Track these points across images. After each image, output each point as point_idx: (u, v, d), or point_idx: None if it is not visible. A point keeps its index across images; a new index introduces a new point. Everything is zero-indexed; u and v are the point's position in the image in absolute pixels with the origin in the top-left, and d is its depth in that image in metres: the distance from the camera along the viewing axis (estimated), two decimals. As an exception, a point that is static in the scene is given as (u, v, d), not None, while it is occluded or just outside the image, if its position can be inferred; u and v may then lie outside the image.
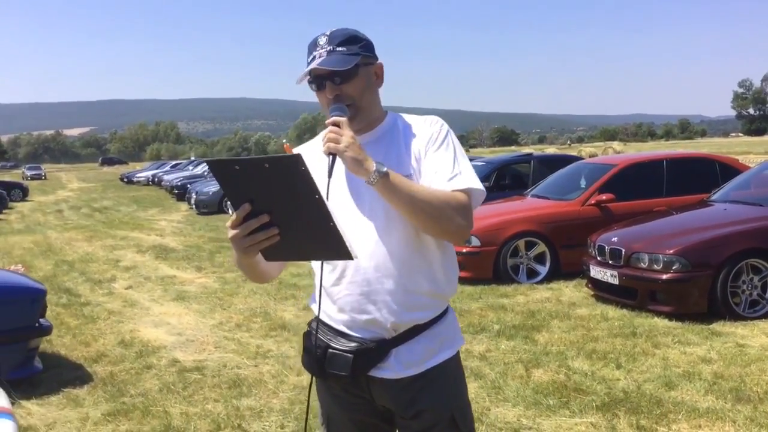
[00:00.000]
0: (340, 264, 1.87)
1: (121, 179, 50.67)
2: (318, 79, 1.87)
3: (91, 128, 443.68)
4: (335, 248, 1.62)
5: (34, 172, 64.99)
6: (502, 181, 12.18)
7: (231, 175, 1.58)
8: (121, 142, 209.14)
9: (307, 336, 2.00)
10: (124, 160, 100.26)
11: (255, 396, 4.81)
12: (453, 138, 1.93)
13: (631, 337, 5.83)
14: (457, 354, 2.01)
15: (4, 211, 24.61)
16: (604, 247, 7.10)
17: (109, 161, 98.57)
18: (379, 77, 1.95)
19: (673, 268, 6.37)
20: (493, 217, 8.86)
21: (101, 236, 15.87)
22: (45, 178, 62.14)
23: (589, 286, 7.48)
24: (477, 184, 1.87)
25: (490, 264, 8.43)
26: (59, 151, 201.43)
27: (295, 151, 1.89)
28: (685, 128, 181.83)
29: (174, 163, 52.25)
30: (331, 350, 1.90)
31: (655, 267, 6.49)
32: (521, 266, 8.52)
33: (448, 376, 1.96)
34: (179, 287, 9.05)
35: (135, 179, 46.57)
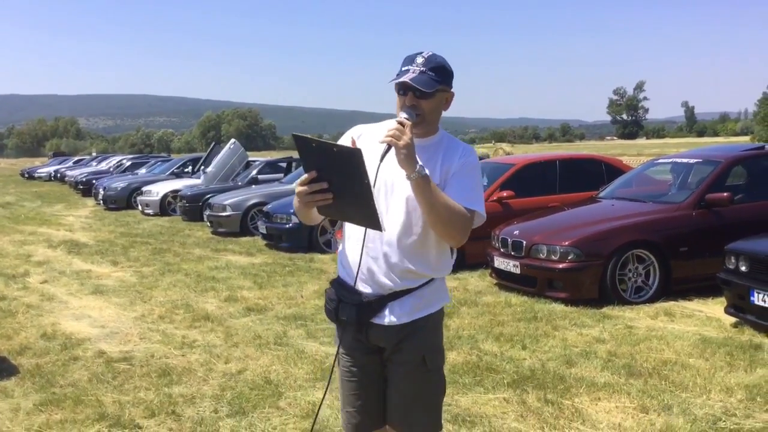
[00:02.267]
0: (361, 237, 2.35)
1: (22, 174, 48.45)
2: (404, 88, 2.33)
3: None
4: (370, 219, 2.15)
5: None
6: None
7: (309, 149, 2.11)
8: (20, 137, 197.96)
9: (327, 291, 2.53)
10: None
11: (186, 384, 4.99)
12: (478, 170, 2.46)
13: (533, 321, 6.38)
14: (440, 310, 2.53)
15: None
16: (507, 239, 7.66)
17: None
18: (447, 103, 2.45)
19: (569, 258, 6.99)
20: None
21: (8, 231, 15.30)
22: None
23: (493, 275, 8.03)
24: (482, 209, 2.39)
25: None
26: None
27: (363, 129, 2.50)
28: (566, 132, 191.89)
29: (77, 158, 50.52)
30: (342, 302, 2.43)
31: (553, 257, 7.10)
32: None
33: (428, 327, 2.48)
34: (96, 281, 8.98)
35: (36, 174, 44.67)
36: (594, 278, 6.95)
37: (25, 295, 8.29)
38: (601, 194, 8.59)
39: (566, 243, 7.06)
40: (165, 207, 17.87)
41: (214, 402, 4.61)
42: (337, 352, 2.56)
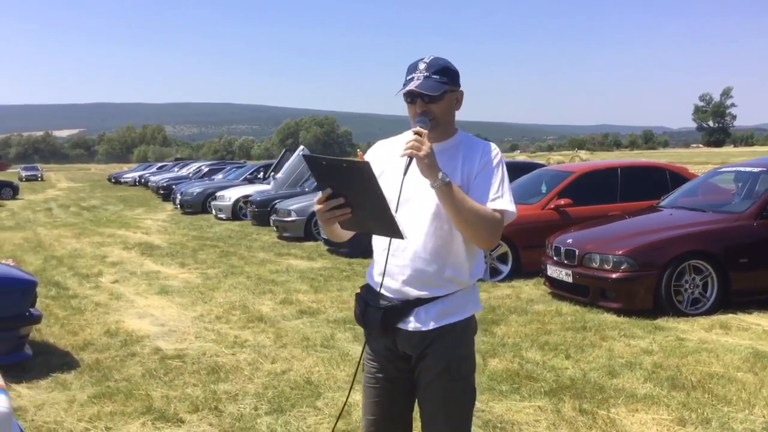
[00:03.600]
0: (388, 246, 2.33)
1: (109, 179, 50.90)
2: (412, 96, 2.34)
3: (80, 130, 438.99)
4: (391, 229, 2.16)
5: (30, 173, 59.75)
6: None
7: (320, 167, 2.15)
8: (110, 143, 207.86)
9: (357, 296, 2.53)
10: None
11: (231, 381, 5.19)
12: (503, 166, 2.39)
13: (582, 331, 6.31)
14: (470, 318, 2.48)
15: None
16: (560, 247, 7.59)
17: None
18: (459, 102, 2.44)
19: (622, 267, 6.88)
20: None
21: (89, 233, 16.13)
22: (42, 180, 58.05)
23: (547, 284, 7.97)
24: (512, 207, 2.33)
25: (456, 263, 8.87)
26: (49, 152, 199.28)
27: (384, 144, 2.55)
28: (649, 139, 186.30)
29: (160, 164, 52.63)
30: (369, 307, 2.42)
31: (606, 266, 7.00)
32: (485, 265, 8.99)
33: (455, 335, 2.42)
34: (163, 282, 9.38)
35: (122, 180, 46.85)
36: (648, 289, 6.81)
37: (95, 293, 8.74)
38: (662, 203, 8.40)
39: (620, 252, 6.95)
40: (236, 212, 18.42)
41: (255, 400, 4.77)
42: (361, 357, 2.56)
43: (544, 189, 9.68)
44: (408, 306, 2.39)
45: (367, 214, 2.19)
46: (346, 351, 5.84)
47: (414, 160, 2.21)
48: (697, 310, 6.83)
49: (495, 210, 2.30)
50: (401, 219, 2.23)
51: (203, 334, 6.56)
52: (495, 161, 2.38)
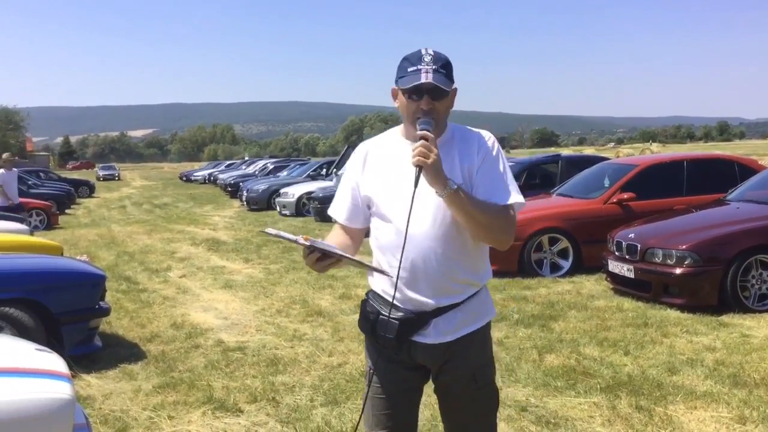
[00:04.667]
0: (397, 253, 2.21)
1: (180, 178, 52.46)
2: (419, 90, 2.17)
3: (153, 130, 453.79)
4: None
5: (107, 172, 59.53)
6: (532, 180, 12.51)
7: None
8: (181, 143, 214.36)
9: (364, 303, 2.41)
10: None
11: (289, 373, 5.31)
12: (502, 154, 2.30)
13: (642, 327, 6.19)
14: (487, 324, 2.41)
15: (72, 206, 25.81)
16: (622, 242, 7.45)
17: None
18: (453, 99, 2.32)
19: (686, 262, 6.71)
20: (517, 214, 9.26)
21: (160, 230, 16.71)
22: (119, 179, 57.96)
23: (608, 279, 7.84)
24: (520, 198, 2.27)
25: (515, 258, 8.82)
26: (124, 151, 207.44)
27: (369, 147, 2.43)
28: (724, 130, 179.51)
29: (229, 162, 53.90)
30: (381, 317, 2.29)
31: (669, 262, 6.84)
32: (545, 260, 8.91)
33: (476, 343, 2.36)
34: (228, 276, 9.64)
35: (193, 178, 48.25)
36: (713, 284, 6.62)
37: (164, 288, 9.05)
38: (729, 196, 8.14)
39: (683, 247, 6.78)
40: (300, 208, 18.72)
41: (311, 391, 4.87)
42: (369, 369, 2.42)
43: (606, 183, 9.50)
44: (425, 317, 2.27)
45: (351, 262, 2.20)
46: (402, 345, 5.89)
47: (422, 169, 2.10)
48: (764, 306, 6.61)
49: (505, 205, 2.23)
50: (411, 224, 2.17)
51: (264, 328, 6.72)
52: (493, 151, 2.28)
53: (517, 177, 12.03)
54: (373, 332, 2.33)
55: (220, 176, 36.68)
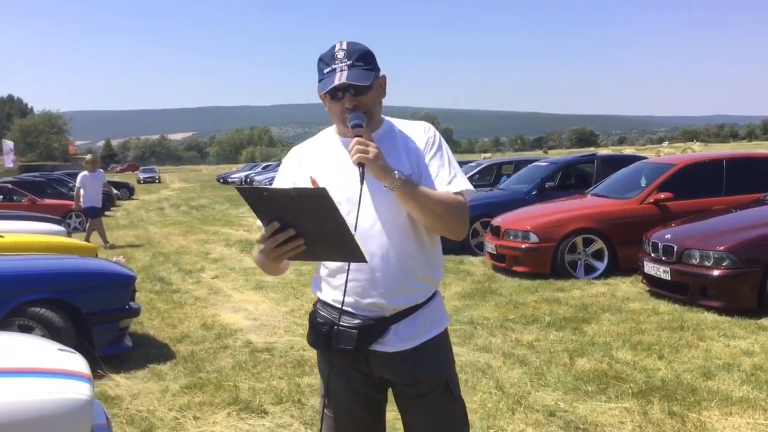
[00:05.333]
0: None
1: (218, 180, 53.16)
2: (336, 91, 2.05)
3: (192, 133, 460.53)
4: (351, 253, 1.90)
5: (147, 175, 59.00)
6: (567, 180, 12.34)
7: (259, 200, 1.87)
8: (220, 145, 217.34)
9: (314, 315, 2.24)
10: None
11: (315, 375, 5.24)
12: (444, 143, 2.20)
13: (678, 331, 6.03)
14: (446, 330, 2.27)
15: (111, 208, 26.30)
16: (658, 243, 7.28)
17: None
18: (383, 88, 2.18)
19: (723, 264, 6.52)
20: (551, 215, 9.13)
21: (195, 231, 16.89)
22: (159, 181, 57.59)
23: (644, 281, 7.66)
24: (469, 185, 2.16)
25: (548, 259, 8.69)
26: (164, 154, 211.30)
27: (302, 152, 2.28)
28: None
29: (266, 164, 54.53)
30: (336, 327, 2.12)
31: (706, 263, 6.66)
32: (579, 262, 8.75)
33: (440, 349, 2.23)
34: (259, 278, 9.66)
35: (230, 180, 48.87)
36: (752, 286, 6.42)
37: (196, 288, 9.11)
38: (770, 196, 7.90)
39: (721, 248, 6.59)
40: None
41: (337, 394, 4.83)
42: (326, 390, 2.24)
43: (643, 182, 9.29)
44: (385, 323, 2.12)
45: (323, 242, 1.91)
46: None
47: (365, 166, 1.99)
48: (807, 309, 6.39)
49: (456, 193, 2.11)
50: (360, 227, 2.01)
51: (292, 329, 6.71)
52: (436, 140, 2.18)
53: (551, 177, 11.88)
54: (328, 345, 2.16)
55: (257, 178, 37.14)
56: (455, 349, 5.61)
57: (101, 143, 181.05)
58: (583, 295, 7.66)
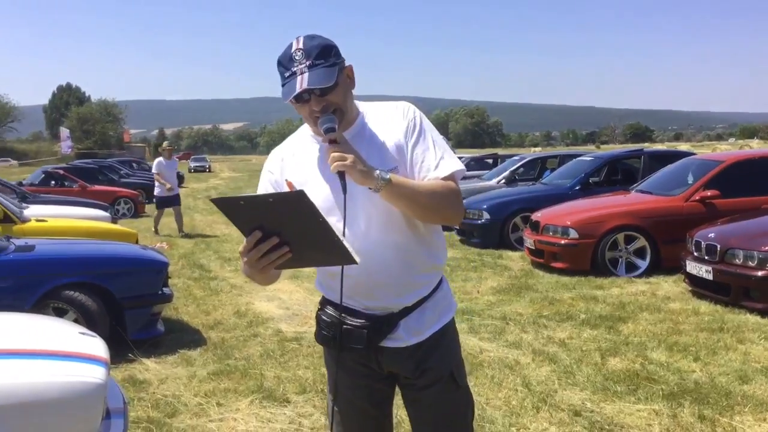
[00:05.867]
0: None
1: None
2: (299, 95, 1.93)
3: (244, 123, 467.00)
4: (340, 256, 1.81)
5: (198, 164, 58.16)
6: (613, 176, 12.06)
7: (236, 209, 1.76)
8: (270, 135, 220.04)
9: (320, 314, 2.20)
10: None
11: (343, 366, 5.26)
12: (426, 123, 2.09)
13: (717, 332, 5.83)
14: (453, 318, 2.23)
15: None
16: (701, 242, 7.05)
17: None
18: (351, 78, 2.05)
19: (768, 265, 6.29)
20: (592, 210, 8.94)
21: (241, 220, 17.08)
22: (209, 171, 56.71)
23: (686, 281, 7.44)
24: (458, 164, 2.05)
25: (588, 256, 8.52)
26: (216, 144, 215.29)
27: (282, 153, 2.19)
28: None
29: None
30: (345, 326, 2.09)
31: (750, 264, 6.43)
32: (620, 260, 8.55)
33: (447, 339, 2.19)
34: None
35: None
36: (799, 289, 6.18)
37: (233, 276, 9.20)
38: (824, 195, 7.58)
39: (766, 248, 6.35)
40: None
41: (362, 385, 4.81)
42: (333, 385, 2.24)
43: (690, 179, 9.03)
44: (393, 319, 2.09)
45: (309, 247, 1.82)
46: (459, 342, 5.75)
47: (345, 174, 1.89)
48: None
49: (445, 178, 2.01)
50: (352, 232, 1.96)
51: (323, 319, 6.71)
52: (416, 122, 2.06)
53: (596, 172, 11.62)
54: (336, 343, 2.12)
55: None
56: (484, 345, 5.62)
57: (155, 132, 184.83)
58: (622, 294, 7.48)
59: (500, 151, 25.90)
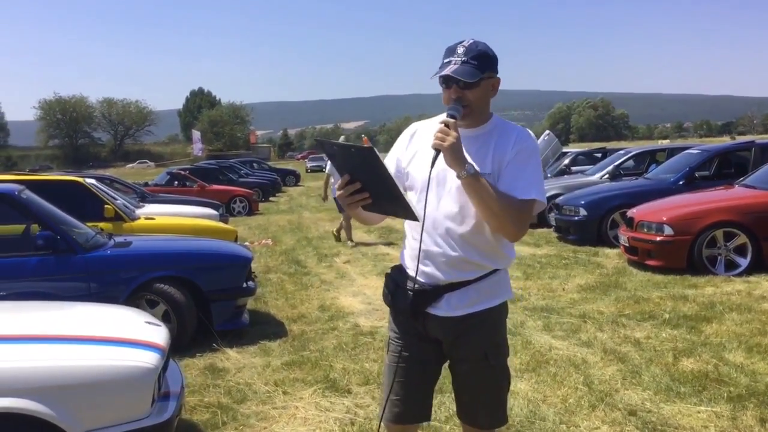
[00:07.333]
0: (419, 230, 2.37)
1: None
2: (448, 80, 2.32)
3: (364, 122, 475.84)
4: (405, 211, 2.18)
5: (314, 164, 58.49)
6: (725, 169, 11.46)
7: (333, 152, 2.24)
8: (389, 133, 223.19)
9: (387, 277, 2.59)
10: None
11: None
12: (536, 155, 2.38)
13: (807, 335, 5.53)
14: (502, 304, 2.50)
15: (276, 194, 28.07)
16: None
17: None
18: (494, 89, 2.40)
19: None
20: (689, 206, 8.60)
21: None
22: (325, 170, 59.01)
23: (786, 280, 7.05)
24: (541, 197, 2.33)
25: (684, 254, 8.21)
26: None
27: (417, 126, 2.56)
28: None
29: None
30: (399, 288, 2.48)
31: None
32: (719, 257, 8.19)
33: (488, 322, 2.46)
34: (387, 263, 9.94)
35: None
36: None
37: (326, 272, 9.55)
38: None
39: None
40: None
41: (423, 379, 4.94)
42: (389, 338, 2.60)
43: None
44: (438, 291, 2.40)
45: (383, 197, 2.19)
46: (530, 339, 5.77)
47: (440, 153, 2.23)
48: None
49: (523, 200, 2.28)
50: (431, 203, 2.32)
51: (402, 314, 6.87)
52: (528, 151, 2.34)
53: (702, 166, 11.07)
54: (392, 303, 2.50)
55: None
56: (555, 342, 5.62)
57: (280, 133, 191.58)
58: (716, 293, 7.18)
59: (625, 144, 24.93)
